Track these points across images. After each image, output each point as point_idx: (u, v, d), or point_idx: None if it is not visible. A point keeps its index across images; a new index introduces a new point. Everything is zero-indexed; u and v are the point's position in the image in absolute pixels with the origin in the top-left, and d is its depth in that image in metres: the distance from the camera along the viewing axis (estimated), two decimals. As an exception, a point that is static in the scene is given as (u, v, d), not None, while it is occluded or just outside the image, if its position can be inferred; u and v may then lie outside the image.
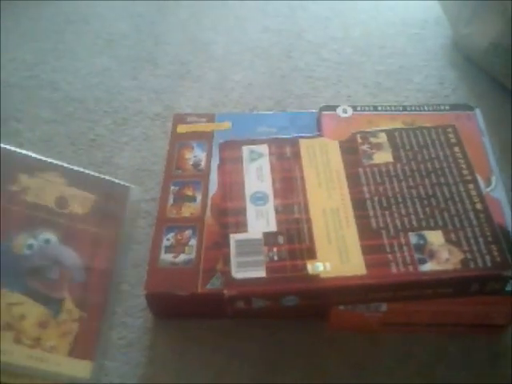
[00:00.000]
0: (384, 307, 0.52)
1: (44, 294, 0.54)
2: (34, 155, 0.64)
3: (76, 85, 0.82)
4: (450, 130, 0.57)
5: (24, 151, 0.64)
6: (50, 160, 0.64)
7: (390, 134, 0.58)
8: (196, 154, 0.64)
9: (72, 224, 0.60)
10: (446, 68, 0.83)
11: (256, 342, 0.55)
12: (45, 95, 0.81)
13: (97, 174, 0.65)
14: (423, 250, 0.49)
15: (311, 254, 0.49)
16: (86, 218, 0.61)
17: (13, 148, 0.63)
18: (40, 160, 0.63)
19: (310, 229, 0.51)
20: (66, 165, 0.64)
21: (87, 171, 0.65)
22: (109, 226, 0.61)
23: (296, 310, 0.51)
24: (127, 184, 0.65)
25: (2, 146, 0.62)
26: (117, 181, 0.65)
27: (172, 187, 0.61)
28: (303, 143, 0.58)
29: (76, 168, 0.65)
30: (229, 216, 0.53)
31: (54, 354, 0.52)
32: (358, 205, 0.52)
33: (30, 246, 0.57)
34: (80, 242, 0.59)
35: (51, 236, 0.58)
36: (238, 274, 0.49)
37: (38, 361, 0.51)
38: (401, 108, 0.65)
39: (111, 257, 0.59)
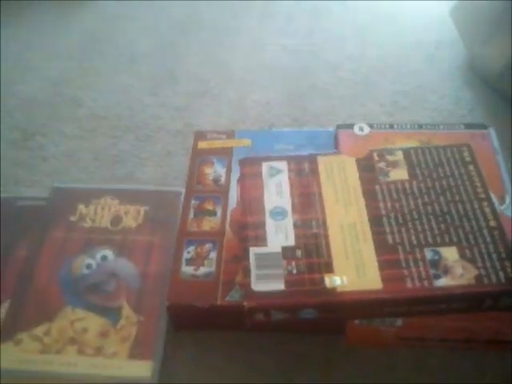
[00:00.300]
0: (399, 322, 0.53)
1: (102, 305, 0.58)
2: (89, 186, 0.70)
3: (99, 101, 0.84)
4: (464, 148, 0.59)
5: (80, 185, 0.71)
6: (103, 186, 0.70)
7: (406, 152, 0.59)
8: (216, 170, 0.66)
9: (126, 237, 0.64)
10: (462, 88, 0.85)
11: (273, 354, 0.56)
12: (69, 111, 0.83)
13: (147, 187, 0.70)
14: (438, 266, 0.50)
15: (329, 268, 0.51)
16: (139, 229, 0.65)
17: (71, 184, 0.70)
18: (94, 188, 0.69)
19: (327, 243, 0.52)
20: (117, 186, 0.70)
21: (137, 187, 0.70)
22: (161, 231, 0.64)
23: (313, 323, 0.52)
24: (177, 189, 0.68)
25: (63, 185, 0.70)
26: (167, 188, 0.69)
27: (193, 201, 0.63)
28: (321, 160, 0.59)
29: (127, 187, 0.70)
30: (249, 230, 0.54)
31: (115, 359, 0.55)
32: (375, 221, 0.54)
33: (89, 266, 0.61)
34: (134, 252, 0.63)
35: (108, 252, 0.62)
36: (257, 286, 0.50)
37: (101, 368, 0.54)
38: (416, 126, 0.66)
39: (165, 260, 0.61)
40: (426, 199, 0.55)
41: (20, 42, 0.96)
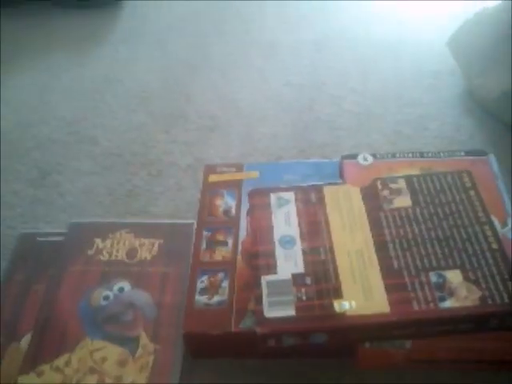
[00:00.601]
0: (408, 344, 0.54)
1: (121, 335, 0.60)
2: (105, 221, 0.73)
3: (114, 139, 0.88)
4: (464, 174, 0.61)
5: (97, 220, 0.74)
6: (119, 221, 0.73)
7: (408, 179, 0.62)
8: (226, 202, 0.68)
9: (142, 269, 0.66)
10: (462, 115, 0.87)
11: (287, 380, 0.57)
12: (85, 149, 0.86)
13: (161, 221, 0.73)
14: (443, 288, 0.52)
15: (337, 294, 0.52)
16: (155, 260, 0.67)
17: (88, 220, 0.74)
18: (110, 223, 0.72)
19: (335, 269, 0.54)
20: (132, 220, 0.73)
21: (151, 220, 0.73)
22: (176, 262, 0.67)
23: (324, 348, 0.54)
24: (190, 221, 0.70)
25: (80, 220, 0.73)
26: (180, 221, 0.72)
27: (205, 233, 0.65)
28: (327, 190, 0.62)
29: (141, 220, 0.73)
30: (259, 258, 0.56)
31: None
32: (380, 247, 0.56)
33: (106, 297, 0.63)
34: (150, 283, 0.65)
35: (125, 284, 0.64)
36: (269, 313, 0.52)
37: None
38: (418, 155, 0.68)
39: (179, 290, 0.63)
40: (429, 224, 0.57)
41: (37, 85, 1.00)
